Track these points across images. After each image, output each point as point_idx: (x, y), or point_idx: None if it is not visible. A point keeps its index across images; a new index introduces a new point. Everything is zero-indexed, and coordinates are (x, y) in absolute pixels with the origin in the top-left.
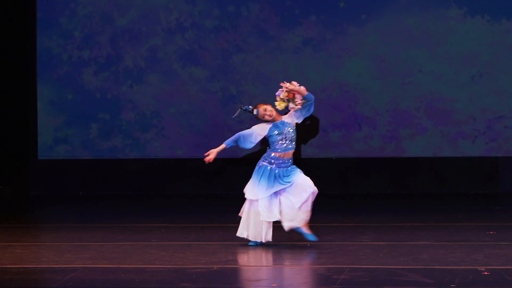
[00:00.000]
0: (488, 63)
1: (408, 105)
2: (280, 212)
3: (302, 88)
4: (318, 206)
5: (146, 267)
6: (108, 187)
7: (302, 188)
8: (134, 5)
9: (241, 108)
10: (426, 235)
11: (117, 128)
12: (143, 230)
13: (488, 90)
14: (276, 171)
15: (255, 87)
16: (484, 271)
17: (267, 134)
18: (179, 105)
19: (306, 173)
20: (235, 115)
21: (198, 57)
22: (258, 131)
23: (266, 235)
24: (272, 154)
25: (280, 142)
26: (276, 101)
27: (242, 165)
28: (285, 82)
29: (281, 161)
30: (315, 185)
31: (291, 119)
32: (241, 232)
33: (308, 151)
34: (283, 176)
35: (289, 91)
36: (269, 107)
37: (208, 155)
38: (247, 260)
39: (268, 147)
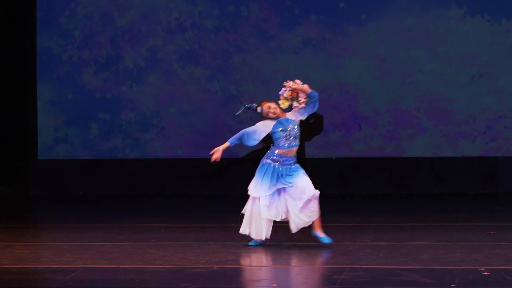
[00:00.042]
0: (488, 63)
1: (408, 105)
2: (287, 212)
3: (306, 86)
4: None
5: (146, 267)
6: (108, 187)
7: (302, 191)
8: (134, 5)
9: (245, 106)
10: (426, 235)
11: (117, 128)
12: (143, 230)
13: (488, 90)
14: (280, 169)
15: (255, 87)
16: (484, 271)
17: (271, 131)
18: (179, 105)
19: (306, 173)
20: (238, 112)
21: (198, 57)
22: (262, 128)
23: (267, 232)
24: (276, 151)
25: (284, 139)
26: (280, 100)
27: (242, 165)
28: (288, 81)
29: (285, 159)
30: (316, 185)
31: (295, 116)
32: (244, 230)
33: (308, 151)
34: (286, 175)
35: (292, 90)
36: (273, 105)
37: (213, 153)
38: (247, 260)
39: (272, 144)
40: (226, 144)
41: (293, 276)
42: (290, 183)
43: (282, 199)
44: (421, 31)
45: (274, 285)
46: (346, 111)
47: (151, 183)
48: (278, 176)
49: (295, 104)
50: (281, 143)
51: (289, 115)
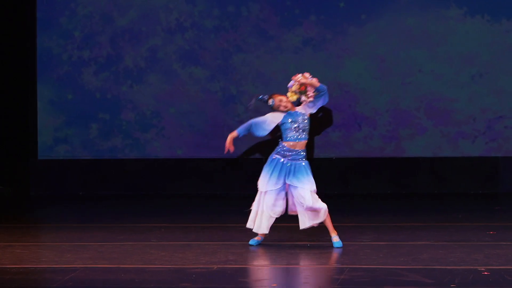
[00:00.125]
0: (488, 63)
1: (408, 105)
2: (295, 207)
3: (314, 80)
4: None
5: (146, 267)
6: (108, 187)
7: (299, 201)
8: (134, 5)
9: (257, 98)
10: (426, 235)
11: (117, 128)
12: (143, 230)
13: (488, 90)
14: (288, 165)
15: (255, 87)
16: (484, 271)
17: (281, 122)
18: (179, 105)
19: None
20: (250, 104)
21: (198, 57)
22: (272, 119)
23: (267, 227)
24: (285, 145)
25: (293, 131)
26: (288, 93)
27: (242, 165)
28: (297, 74)
29: (293, 153)
30: (316, 185)
31: (305, 110)
32: (249, 224)
33: (308, 151)
34: (293, 173)
35: (301, 84)
36: (284, 98)
37: (227, 147)
38: (247, 260)
39: (280, 140)
40: (235, 133)
41: (293, 276)
42: (295, 186)
43: (290, 197)
44: (421, 31)
45: (274, 285)
46: (346, 111)
47: (151, 183)
48: (286, 173)
49: (303, 98)
50: (289, 135)
51: (299, 109)
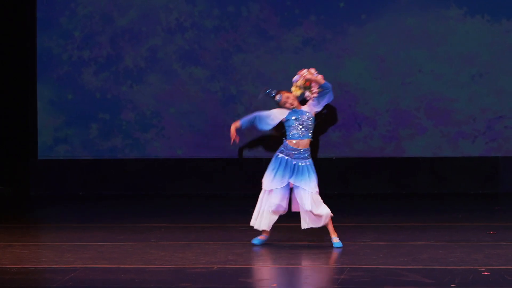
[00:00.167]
0: (488, 63)
1: (408, 105)
2: (300, 210)
3: (319, 77)
4: None
5: (146, 267)
6: (108, 187)
7: (301, 202)
8: (134, 5)
9: (265, 92)
10: (426, 235)
11: (117, 128)
12: (143, 230)
13: (488, 90)
14: (294, 163)
15: (255, 87)
16: (484, 271)
17: (285, 118)
18: (179, 105)
19: None
20: (259, 97)
21: (198, 57)
22: (277, 114)
23: (269, 225)
24: (288, 144)
25: (296, 128)
26: (293, 87)
27: (242, 165)
28: (303, 69)
29: (297, 152)
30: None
31: (310, 109)
32: (252, 222)
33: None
34: (297, 173)
35: (306, 80)
36: (291, 95)
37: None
38: (247, 260)
39: (284, 138)
40: (238, 123)
41: (293, 276)
42: (298, 186)
43: (293, 193)
44: (421, 31)
45: (274, 285)
46: (346, 111)
47: (151, 183)
48: (290, 171)
49: (307, 93)
50: (292, 133)
51: (305, 108)
